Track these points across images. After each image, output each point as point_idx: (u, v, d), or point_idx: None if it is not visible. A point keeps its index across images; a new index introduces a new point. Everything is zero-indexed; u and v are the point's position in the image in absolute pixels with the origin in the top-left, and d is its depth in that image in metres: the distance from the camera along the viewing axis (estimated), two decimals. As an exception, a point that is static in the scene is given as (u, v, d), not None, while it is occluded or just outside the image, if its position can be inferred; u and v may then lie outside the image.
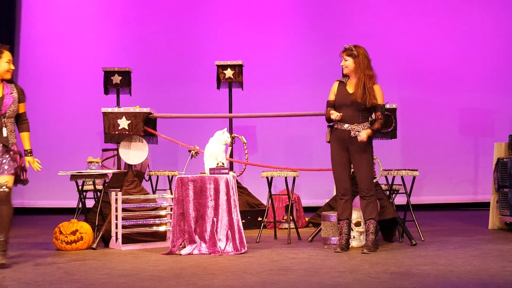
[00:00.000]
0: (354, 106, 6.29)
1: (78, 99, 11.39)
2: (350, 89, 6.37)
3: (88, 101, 11.07)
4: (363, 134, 6.19)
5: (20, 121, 5.91)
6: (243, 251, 6.25)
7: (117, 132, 7.09)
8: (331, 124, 6.43)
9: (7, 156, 5.72)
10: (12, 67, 5.86)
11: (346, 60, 6.36)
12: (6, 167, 5.68)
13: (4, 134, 5.72)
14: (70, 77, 11.57)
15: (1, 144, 5.72)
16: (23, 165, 5.83)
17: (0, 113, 5.70)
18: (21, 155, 5.84)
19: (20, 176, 5.79)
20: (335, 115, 6.25)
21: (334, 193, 7.95)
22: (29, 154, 5.91)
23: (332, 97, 6.43)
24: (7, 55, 5.85)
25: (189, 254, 6.21)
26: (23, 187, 6.19)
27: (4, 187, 5.66)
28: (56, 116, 11.25)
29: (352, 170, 6.51)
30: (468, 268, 5.22)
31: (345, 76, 6.46)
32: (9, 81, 5.87)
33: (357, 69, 6.34)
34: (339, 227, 6.46)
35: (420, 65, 11.60)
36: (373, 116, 6.35)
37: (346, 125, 6.30)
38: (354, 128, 6.28)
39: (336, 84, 6.46)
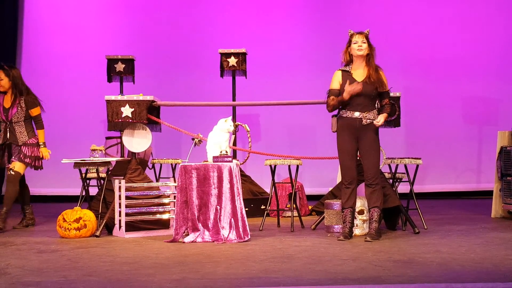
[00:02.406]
0: (366, 94, 6.28)
1: (81, 87, 11.39)
2: (358, 77, 6.35)
3: (91, 89, 11.06)
4: (381, 118, 6.24)
5: (35, 122, 7.46)
6: (246, 239, 6.26)
7: (120, 120, 7.10)
8: (336, 114, 6.42)
9: (18, 148, 7.36)
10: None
11: (364, 43, 6.33)
12: (16, 154, 7.35)
13: (13, 135, 7.36)
14: (74, 65, 11.57)
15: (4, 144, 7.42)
16: (36, 155, 7.41)
17: (7, 120, 7.37)
18: (37, 146, 7.42)
19: (34, 163, 7.38)
20: (355, 87, 6.18)
21: (338, 182, 7.96)
22: (42, 146, 7.44)
23: (336, 85, 6.40)
24: None
25: (192, 242, 6.22)
26: (27, 176, 7.46)
27: (11, 170, 7.29)
28: (59, 104, 11.24)
29: (358, 157, 6.51)
30: (471, 256, 5.23)
31: (346, 64, 6.44)
32: (27, 93, 7.44)
33: (368, 57, 6.34)
34: (342, 215, 6.46)
35: (423, 53, 11.57)
36: (378, 103, 6.37)
37: (357, 113, 6.29)
38: (366, 116, 6.28)
39: (339, 73, 6.43)
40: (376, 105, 6.38)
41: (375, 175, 6.34)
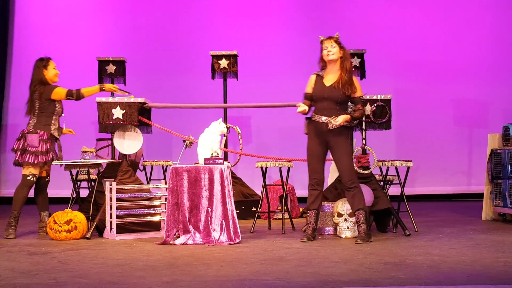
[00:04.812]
0: (331, 99, 6.33)
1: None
2: (327, 82, 6.39)
3: (82, 90, 11.01)
4: (339, 118, 6.24)
5: None
6: (237, 241, 6.26)
7: (111, 122, 7.08)
8: (309, 116, 6.47)
9: (53, 144, 7.10)
10: (58, 71, 7.35)
11: (333, 47, 6.36)
12: (54, 152, 7.08)
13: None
14: (64, 66, 11.44)
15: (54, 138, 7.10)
16: None
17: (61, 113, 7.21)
18: None
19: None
20: (301, 108, 6.32)
21: (329, 184, 7.96)
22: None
23: (309, 90, 6.48)
24: (52, 63, 7.33)
25: (183, 244, 6.21)
26: (17, 178, 7.17)
27: (49, 177, 7.24)
28: (50, 105, 11.19)
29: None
30: (462, 259, 5.24)
31: (322, 69, 6.48)
32: None
33: (340, 62, 6.37)
34: (307, 217, 6.49)
35: (414, 56, 11.60)
36: (349, 108, 6.42)
37: (323, 118, 6.32)
38: (331, 121, 6.29)
39: (313, 77, 6.50)
40: (346, 110, 6.39)
41: (352, 179, 6.36)
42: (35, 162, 6.89)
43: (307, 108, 6.39)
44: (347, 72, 6.36)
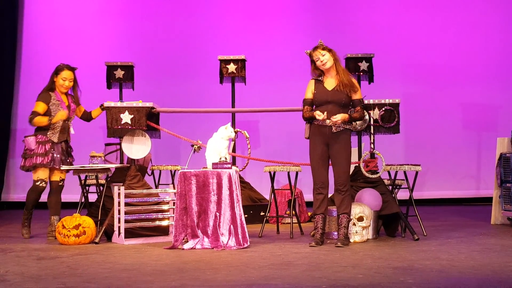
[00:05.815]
0: (335, 101, 6.35)
1: (81, 94, 11.36)
2: (328, 86, 6.41)
3: (90, 95, 11.03)
4: (338, 116, 6.25)
5: (87, 112, 7.51)
6: (245, 245, 6.26)
7: (120, 127, 7.10)
8: (310, 120, 6.48)
9: (65, 150, 7.18)
10: (67, 84, 7.25)
11: (323, 55, 6.37)
12: (65, 157, 7.18)
13: (68, 133, 7.23)
14: (73, 71, 11.56)
15: (63, 141, 7.18)
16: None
17: (69, 117, 7.21)
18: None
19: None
20: (322, 116, 6.26)
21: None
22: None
23: (309, 95, 6.47)
24: (64, 73, 7.24)
25: (191, 248, 6.22)
26: (26, 182, 6.84)
27: (63, 181, 7.26)
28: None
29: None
30: (471, 263, 5.23)
31: (320, 75, 6.47)
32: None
33: (334, 64, 6.39)
34: (314, 221, 6.49)
35: (423, 60, 11.59)
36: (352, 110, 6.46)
37: (327, 121, 6.32)
38: (331, 119, 6.31)
39: (312, 83, 6.50)
40: (348, 112, 6.41)
41: (346, 182, 6.39)
42: (32, 164, 7.03)
43: (324, 114, 6.34)
44: (344, 73, 6.43)
